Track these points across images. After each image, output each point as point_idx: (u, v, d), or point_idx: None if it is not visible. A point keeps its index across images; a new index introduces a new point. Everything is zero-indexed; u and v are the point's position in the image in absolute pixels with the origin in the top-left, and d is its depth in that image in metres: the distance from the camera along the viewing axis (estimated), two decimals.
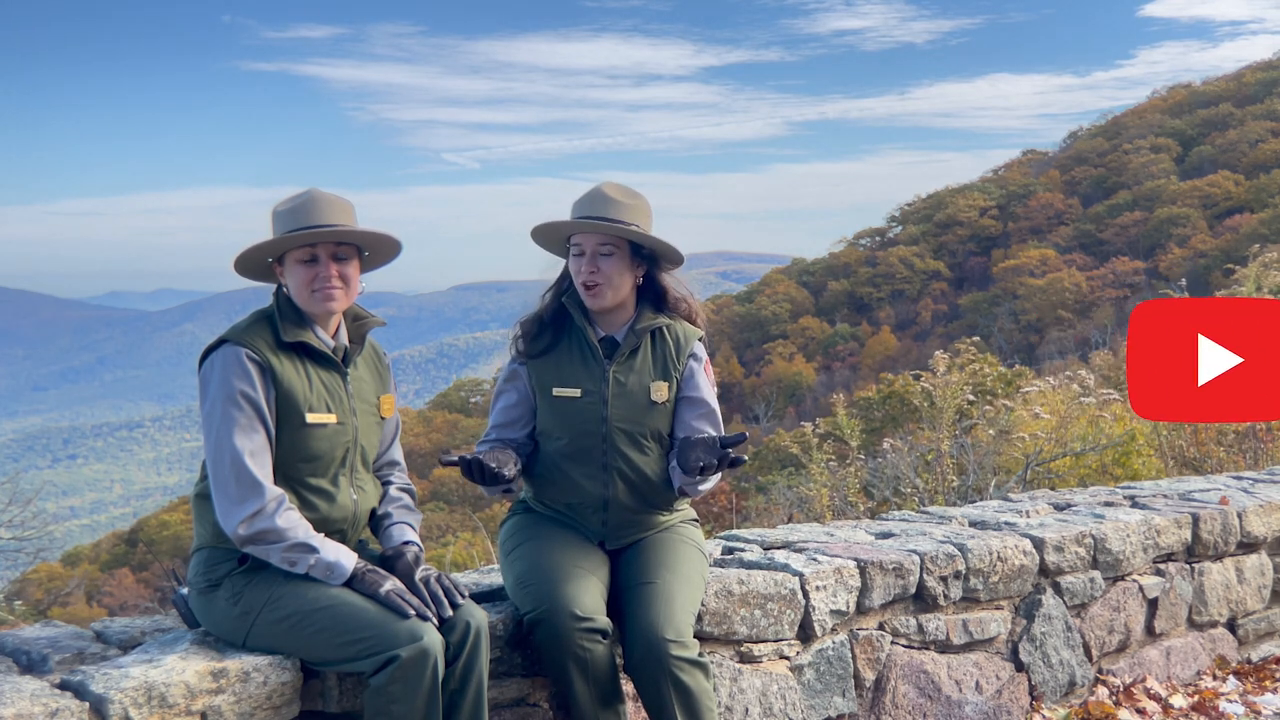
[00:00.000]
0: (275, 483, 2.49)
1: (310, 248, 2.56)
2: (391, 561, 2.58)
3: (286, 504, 2.46)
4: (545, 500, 2.91)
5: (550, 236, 2.92)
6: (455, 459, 2.66)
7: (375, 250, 2.70)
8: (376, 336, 2.80)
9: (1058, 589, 3.69)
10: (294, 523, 2.45)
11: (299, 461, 2.54)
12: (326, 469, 2.57)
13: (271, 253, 2.61)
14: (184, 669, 2.30)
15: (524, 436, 2.90)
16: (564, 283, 2.93)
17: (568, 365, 2.86)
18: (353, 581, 2.46)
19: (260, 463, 2.46)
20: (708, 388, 2.92)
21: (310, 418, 2.53)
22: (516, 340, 2.91)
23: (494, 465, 2.67)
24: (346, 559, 2.47)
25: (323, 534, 2.52)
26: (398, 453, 2.83)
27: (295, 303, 2.60)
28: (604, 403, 2.82)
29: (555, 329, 2.90)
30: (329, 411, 2.57)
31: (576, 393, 2.83)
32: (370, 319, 2.72)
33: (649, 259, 2.89)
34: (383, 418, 2.73)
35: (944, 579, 3.40)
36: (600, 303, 2.83)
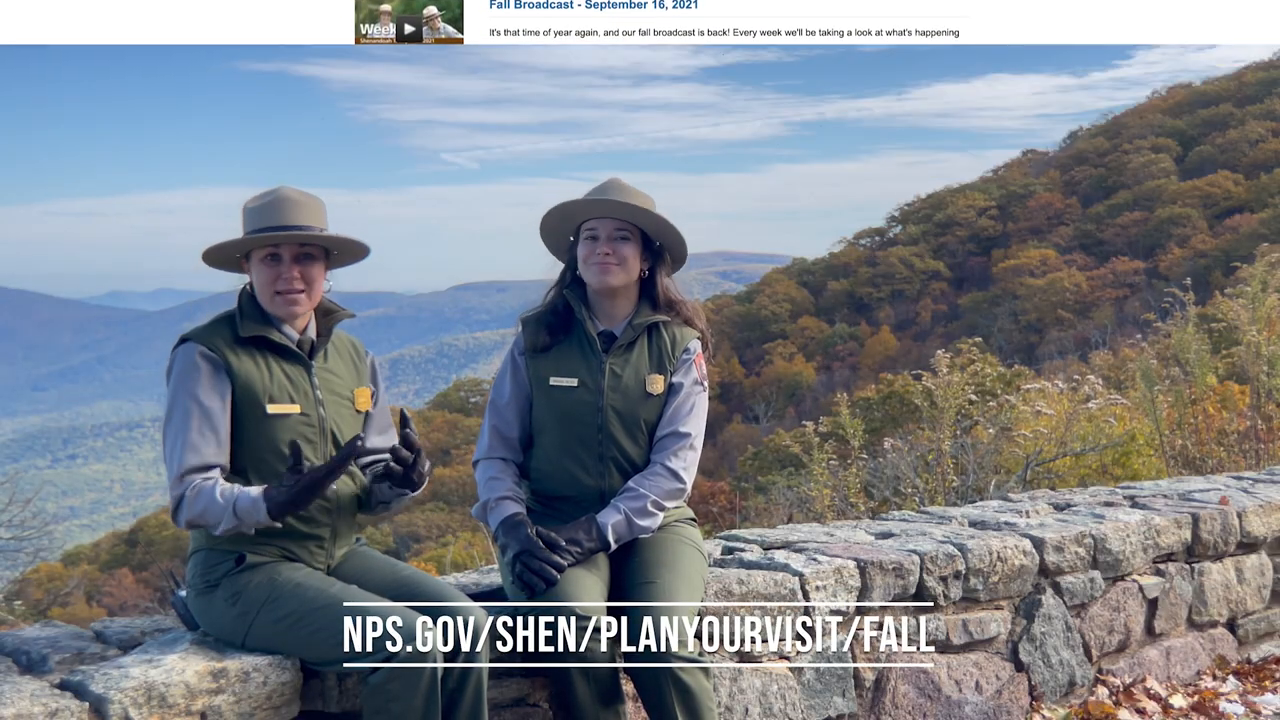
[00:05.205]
0: (250, 480, 2.52)
1: (274, 248, 2.59)
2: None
3: (207, 479, 2.46)
4: (543, 497, 2.91)
5: (561, 223, 2.95)
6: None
7: (342, 250, 2.71)
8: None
9: (1057, 589, 3.69)
10: (208, 490, 2.44)
11: (268, 454, 2.55)
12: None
13: (236, 251, 2.64)
14: (184, 669, 2.30)
15: (520, 434, 2.93)
16: (566, 277, 2.96)
17: (566, 357, 2.89)
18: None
19: (194, 454, 2.47)
20: (691, 381, 2.92)
21: (271, 408, 2.56)
22: (524, 331, 2.93)
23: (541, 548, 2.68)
24: (256, 490, 2.45)
25: (309, 529, 2.57)
26: (385, 443, 2.82)
27: (258, 300, 2.61)
28: (600, 393, 2.85)
29: (561, 324, 2.93)
30: (291, 402, 2.59)
31: (573, 382, 2.86)
32: (340, 312, 2.74)
33: (655, 255, 2.93)
34: (358, 410, 2.74)
35: (944, 579, 3.40)
36: (610, 280, 2.85)
